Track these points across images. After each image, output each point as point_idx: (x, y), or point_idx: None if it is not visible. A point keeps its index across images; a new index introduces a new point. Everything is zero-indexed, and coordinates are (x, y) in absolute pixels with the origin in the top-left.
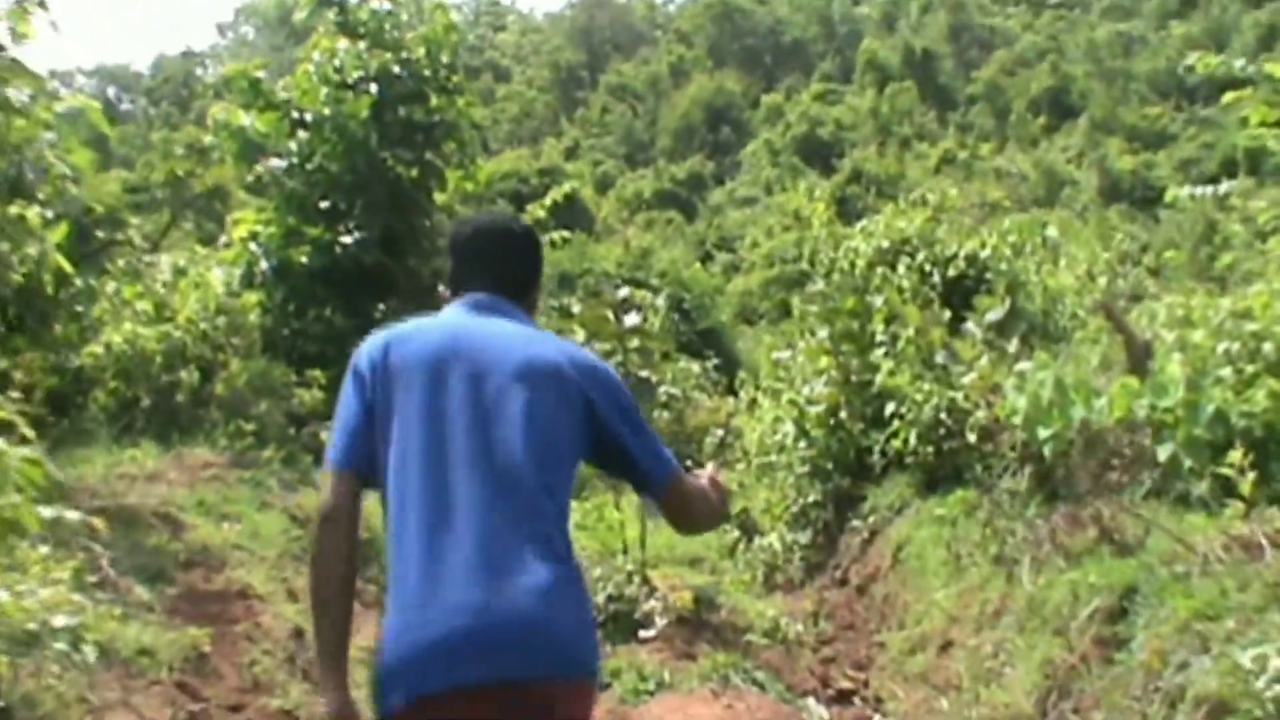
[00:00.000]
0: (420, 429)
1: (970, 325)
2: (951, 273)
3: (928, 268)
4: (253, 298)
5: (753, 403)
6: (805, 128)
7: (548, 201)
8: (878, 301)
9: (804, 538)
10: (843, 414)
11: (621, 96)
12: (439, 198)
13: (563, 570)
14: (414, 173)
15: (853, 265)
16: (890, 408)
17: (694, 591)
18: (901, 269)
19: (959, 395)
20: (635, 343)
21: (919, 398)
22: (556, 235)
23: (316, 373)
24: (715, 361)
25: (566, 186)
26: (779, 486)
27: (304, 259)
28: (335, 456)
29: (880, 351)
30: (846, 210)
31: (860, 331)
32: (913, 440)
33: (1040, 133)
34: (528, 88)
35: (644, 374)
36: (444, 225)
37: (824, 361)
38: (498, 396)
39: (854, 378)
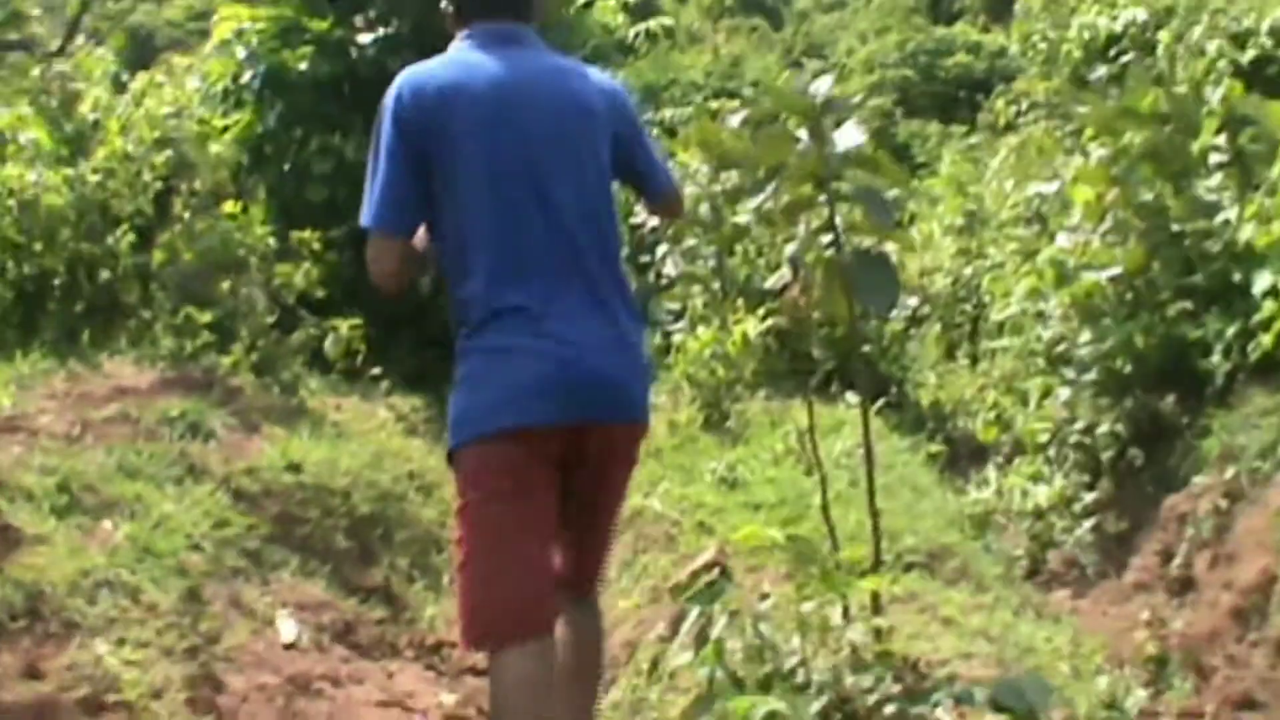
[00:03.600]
0: (489, 188)
1: None
2: (1251, 53)
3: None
4: (221, 122)
5: (970, 255)
6: None
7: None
8: (1213, 96)
9: (1089, 494)
10: (1154, 285)
11: None
12: None
13: (638, 324)
14: None
15: (1089, 48)
16: (1244, 277)
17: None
18: (1179, 48)
19: None
20: None
21: None
22: (653, 25)
23: (307, 234)
24: None
25: None
26: (1038, 400)
27: (304, 65)
28: (384, 219)
29: (1214, 181)
30: (940, 12)
31: (1177, 148)
32: None
33: None
34: None
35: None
36: None
37: (1112, 197)
38: (553, 145)
39: (1174, 226)
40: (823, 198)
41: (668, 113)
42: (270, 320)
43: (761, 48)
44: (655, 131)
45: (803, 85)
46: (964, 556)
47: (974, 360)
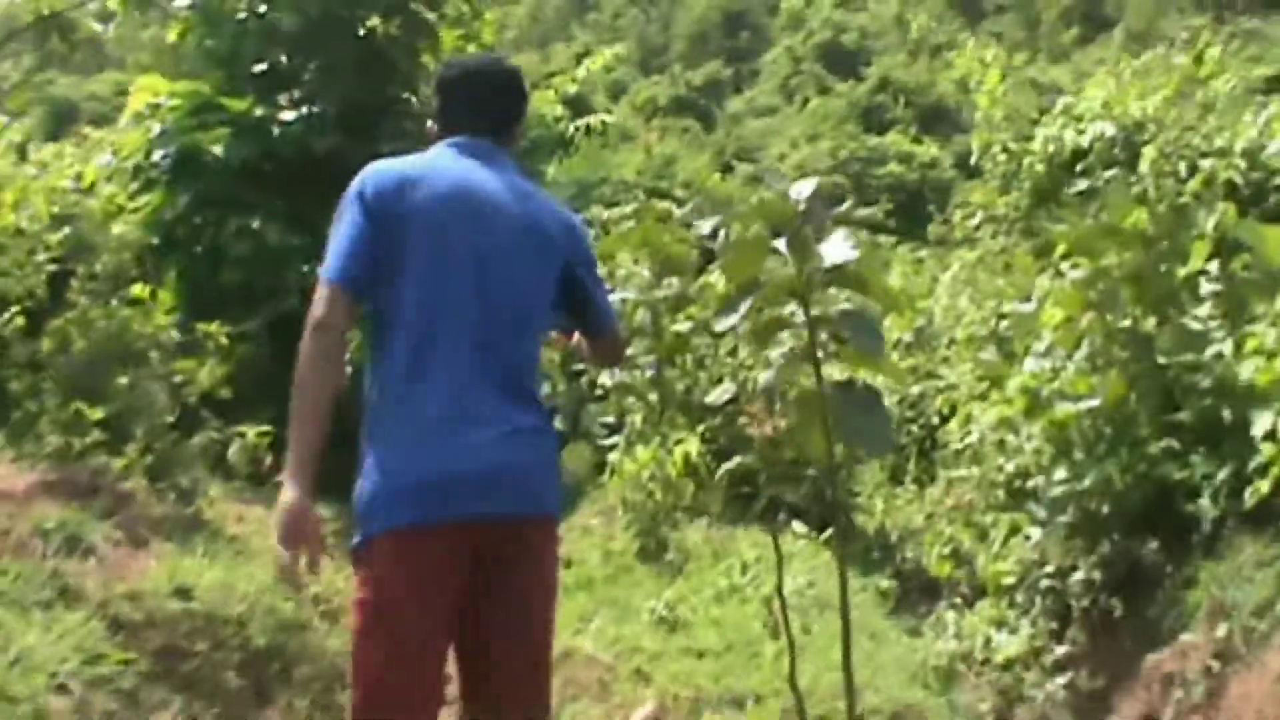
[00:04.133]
0: (426, 280)
1: None
2: (1228, 176)
3: (1184, 169)
4: (130, 202)
5: (918, 374)
6: (828, 34)
7: (568, 88)
8: (1206, 219)
9: (1061, 647)
10: (1134, 420)
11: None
12: (428, 61)
13: (548, 424)
14: (392, 26)
15: (1053, 162)
16: (1236, 416)
17: None
18: (1147, 168)
19: None
20: None
21: None
22: (593, 121)
23: (213, 328)
24: None
25: (584, 68)
26: (1003, 539)
27: (219, 148)
28: (339, 272)
29: (1203, 310)
30: (871, 121)
31: (1163, 273)
32: None
33: (1073, 44)
34: None
35: None
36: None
37: (1087, 321)
38: (498, 256)
39: (1159, 358)
40: (802, 318)
41: (601, 211)
42: (169, 420)
43: (693, 148)
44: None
45: (781, 188)
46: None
47: (920, 484)
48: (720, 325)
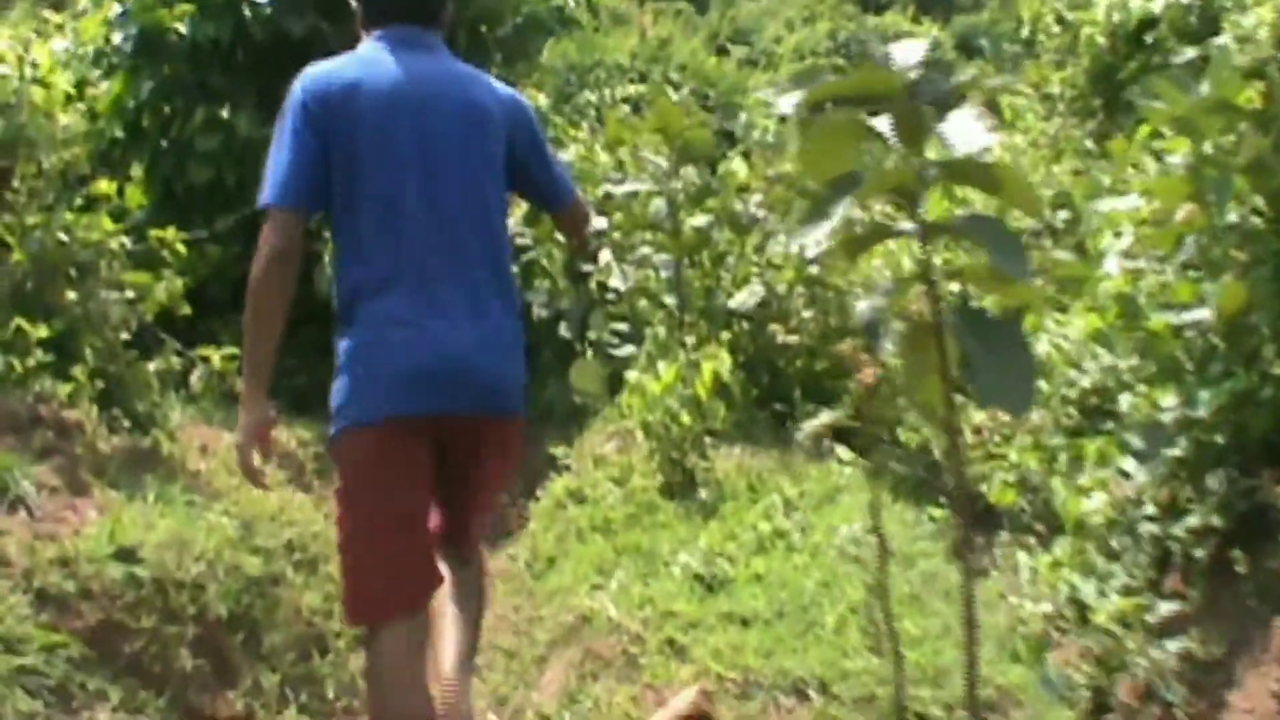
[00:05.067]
0: (380, 180)
1: None
2: None
3: None
4: (91, 91)
5: None
6: None
7: None
8: None
9: (1168, 605)
10: (1253, 333)
11: None
12: None
13: (516, 324)
14: None
15: (1115, 34)
16: None
17: None
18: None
19: None
20: None
21: None
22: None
23: (169, 234)
24: None
25: None
26: (1093, 471)
27: (180, 26)
28: (287, 194)
29: None
30: (869, 2)
31: None
32: None
33: None
34: None
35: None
36: None
37: (1184, 214)
38: (445, 147)
39: None
40: (914, 227)
41: (594, 95)
42: (125, 338)
43: (687, 31)
44: (584, 117)
45: (881, 54)
46: (1034, 706)
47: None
48: (808, 237)
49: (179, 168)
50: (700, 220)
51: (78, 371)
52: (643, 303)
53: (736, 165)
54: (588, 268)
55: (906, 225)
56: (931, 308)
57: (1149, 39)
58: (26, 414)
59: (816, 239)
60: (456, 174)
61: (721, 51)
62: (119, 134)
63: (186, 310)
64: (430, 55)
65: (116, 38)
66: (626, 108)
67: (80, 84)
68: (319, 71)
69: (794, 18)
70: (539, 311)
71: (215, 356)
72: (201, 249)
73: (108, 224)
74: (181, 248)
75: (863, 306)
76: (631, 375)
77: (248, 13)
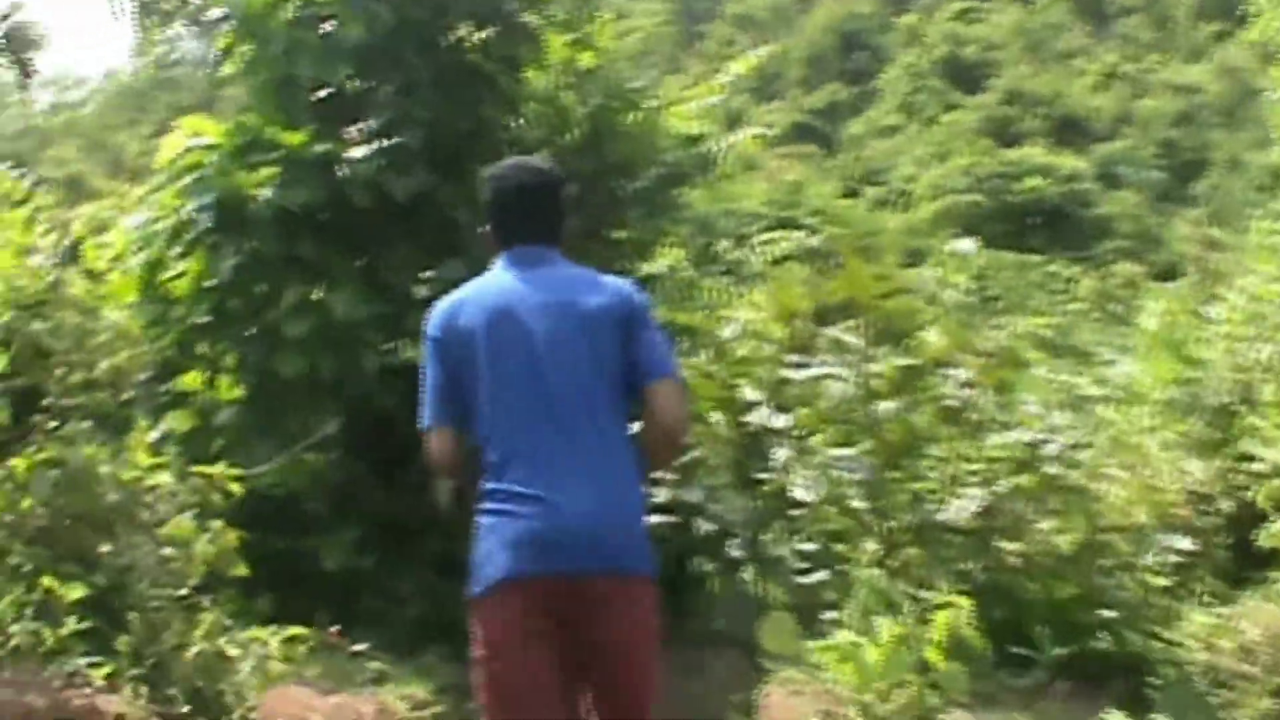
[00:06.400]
0: (496, 382)
1: None
2: None
3: None
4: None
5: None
6: (947, 48)
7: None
8: None
9: None
10: None
11: (745, 26)
12: (535, 78)
13: (636, 488)
14: (486, 34)
15: None
16: None
17: None
18: None
19: None
20: None
21: None
22: (747, 137)
23: (216, 470)
24: None
25: (730, 73)
26: None
27: (266, 191)
28: (435, 417)
29: None
30: (1002, 136)
31: None
32: None
33: (1210, 42)
34: (648, 21)
35: None
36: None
37: None
38: (556, 348)
39: None
40: None
41: (728, 246)
42: (180, 593)
43: (818, 174)
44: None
45: None
46: None
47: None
48: None
49: (266, 357)
50: (892, 407)
51: (121, 644)
52: (833, 515)
53: (932, 336)
54: (760, 475)
55: None
56: None
57: None
58: (49, 710)
59: None
60: (563, 363)
61: (853, 193)
62: (205, 319)
63: (242, 570)
64: (549, 268)
65: (190, 207)
66: (766, 249)
67: (155, 265)
68: (445, 303)
69: (925, 155)
70: (704, 526)
71: (273, 640)
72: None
73: (143, 458)
74: (235, 487)
75: None
76: (839, 637)
77: (342, 173)
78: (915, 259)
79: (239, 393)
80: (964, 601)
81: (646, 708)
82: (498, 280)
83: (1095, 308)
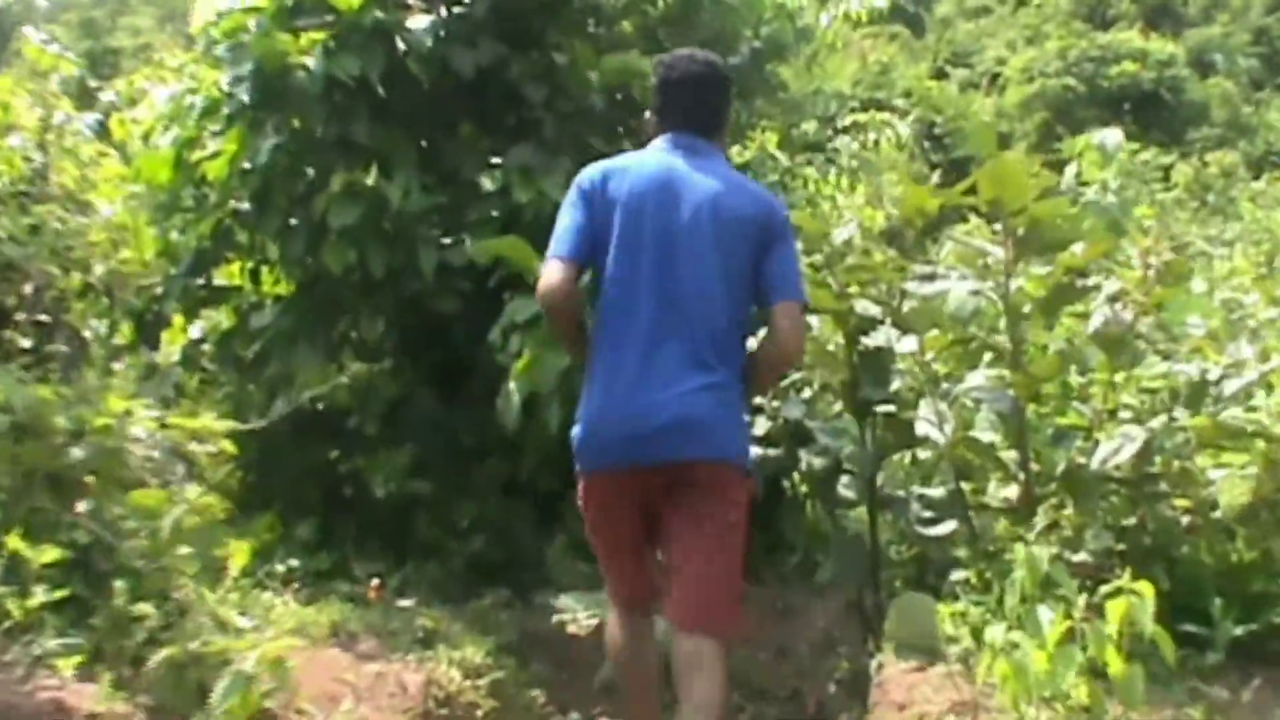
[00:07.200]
0: (627, 254)
1: None
2: None
3: None
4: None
5: None
6: None
7: None
8: None
9: None
10: None
11: None
12: None
13: (726, 379)
14: None
15: None
16: None
17: None
18: None
19: None
20: None
21: None
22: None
23: (210, 422)
24: None
25: None
26: None
27: (314, 61)
28: (558, 250)
29: None
30: (1093, 19)
31: None
32: None
33: None
34: None
35: None
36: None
37: None
38: (687, 240)
39: None
40: None
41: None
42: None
43: (905, 55)
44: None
45: None
46: None
47: None
48: None
49: (311, 250)
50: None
51: (98, 621)
52: (967, 454)
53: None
54: (881, 406)
55: None
56: None
57: None
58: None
59: None
60: (693, 263)
61: (940, 75)
62: (243, 205)
63: (243, 555)
64: (700, 159)
65: (225, 79)
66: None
67: (185, 143)
68: (599, 165)
69: (1016, 38)
70: (811, 460)
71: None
72: (340, 364)
73: (118, 403)
74: (229, 445)
75: None
76: (993, 633)
77: (402, 44)
78: (1004, 145)
79: (283, 288)
80: (1146, 588)
81: (723, 572)
82: (655, 159)
83: (1193, 197)
